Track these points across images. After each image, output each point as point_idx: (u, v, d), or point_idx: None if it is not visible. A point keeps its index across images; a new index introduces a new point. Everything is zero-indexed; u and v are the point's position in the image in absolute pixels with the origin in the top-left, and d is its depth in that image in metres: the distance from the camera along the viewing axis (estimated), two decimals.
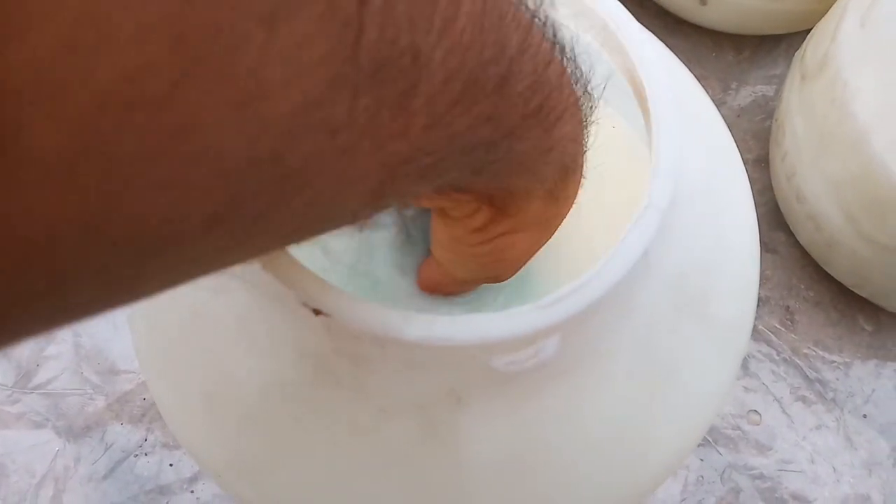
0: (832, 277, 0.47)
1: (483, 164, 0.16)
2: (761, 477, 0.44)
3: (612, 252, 0.18)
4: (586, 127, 0.19)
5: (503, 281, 0.24)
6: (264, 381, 0.21)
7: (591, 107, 0.19)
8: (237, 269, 0.13)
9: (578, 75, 0.18)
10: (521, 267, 0.23)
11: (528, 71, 0.15)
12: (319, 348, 0.20)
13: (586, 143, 0.19)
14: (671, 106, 0.19)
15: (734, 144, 0.28)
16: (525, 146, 0.17)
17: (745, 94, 0.54)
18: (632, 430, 0.23)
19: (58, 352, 0.45)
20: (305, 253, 0.18)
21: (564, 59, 0.17)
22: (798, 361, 0.48)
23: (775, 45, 0.56)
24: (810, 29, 0.44)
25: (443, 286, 0.26)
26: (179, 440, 0.25)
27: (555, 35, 0.17)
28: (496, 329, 0.17)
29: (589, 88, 0.18)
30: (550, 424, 0.21)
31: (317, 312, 0.17)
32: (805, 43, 0.44)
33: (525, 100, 0.15)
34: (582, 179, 0.20)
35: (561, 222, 0.22)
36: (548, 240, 0.22)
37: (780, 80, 0.54)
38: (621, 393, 0.22)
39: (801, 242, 0.46)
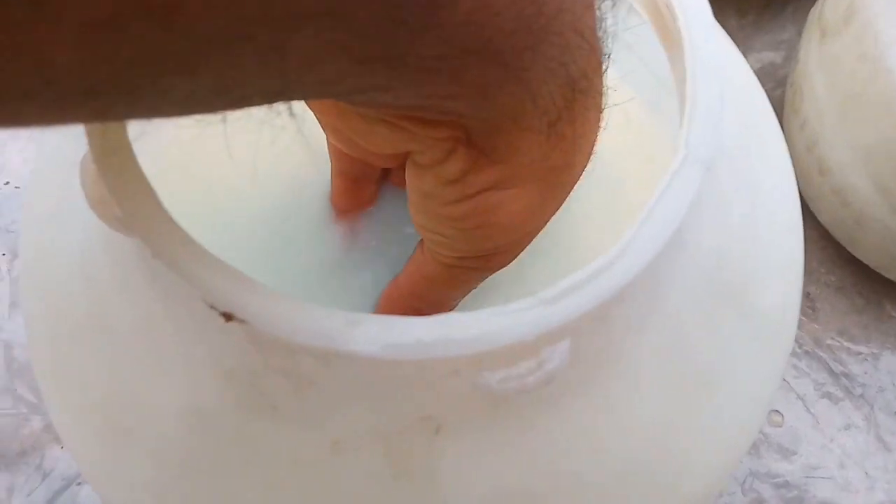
0: (855, 260, 0.43)
1: (439, 60, 0.12)
2: (786, 485, 0.40)
3: (639, 222, 0.13)
4: (601, 25, 0.14)
5: (496, 268, 0.19)
6: (178, 407, 0.16)
7: None
8: (135, 259, 0.13)
9: None
10: (518, 245, 0.17)
11: None
12: (245, 365, 0.15)
13: (602, 48, 0.14)
14: (708, 27, 0.14)
15: (765, 97, 0.24)
16: (501, 31, 0.12)
17: (752, 62, 0.49)
18: (662, 454, 0.18)
19: None
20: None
21: None
22: (821, 354, 0.43)
23: (781, 8, 0.52)
24: None
25: (409, 299, 0.20)
26: (83, 475, 0.20)
27: None
28: (487, 333, 0.12)
29: None
30: (560, 456, 0.16)
31: (228, 317, 0.12)
32: None
33: None
34: (601, 112, 0.15)
35: (573, 179, 0.16)
36: (555, 206, 0.17)
37: (789, 46, 0.50)
38: (648, 409, 0.17)
39: (822, 221, 0.42)
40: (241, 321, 0.12)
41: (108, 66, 0.10)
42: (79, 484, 0.39)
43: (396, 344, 0.12)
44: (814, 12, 0.40)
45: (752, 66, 0.51)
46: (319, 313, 0.12)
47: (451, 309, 0.21)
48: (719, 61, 0.14)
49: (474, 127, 0.14)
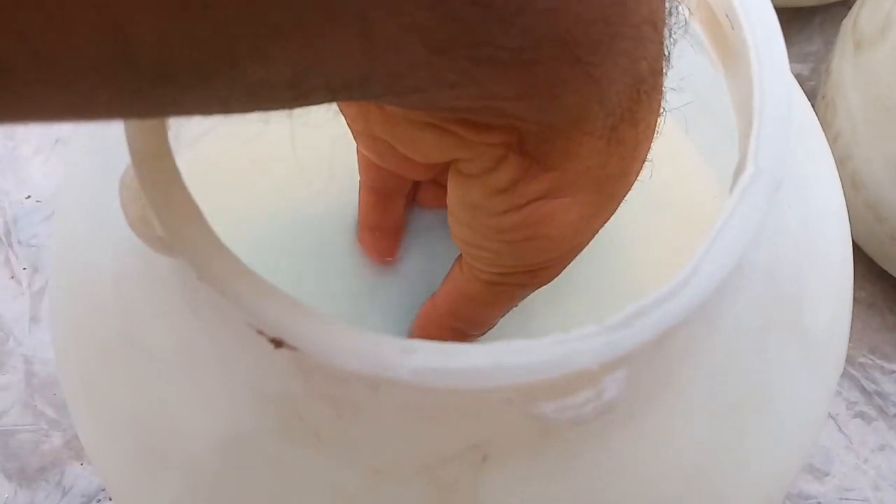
0: (887, 275, 0.42)
1: (515, 53, 0.11)
2: None
3: (707, 245, 0.12)
4: (671, 18, 0.13)
5: (541, 284, 0.18)
6: (215, 433, 0.16)
7: None
8: (173, 279, 0.12)
9: None
10: (566, 258, 0.17)
11: None
12: (288, 390, 0.14)
13: (666, 42, 0.14)
14: (776, 37, 0.14)
15: (809, 105, 0.23)
16: (580, 20, 0.11)
17: None
18: (715, 479, 0.17)
19: (6, 382, 0.40)
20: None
21: None
22: (853, 372, 0.42)
23: (808, 19, 0.51)
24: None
25: (446, 319, 0.20)
26: (111, 495, 0.20)
27: None
28: (548, 361, 0.11)
29: None
30: (612, 486, 0.15)
31: (277, 344, 0.12)
32: (857, 7, 0.38)
33: None
34: (660, 115, 0.14)
35: (627, 188, 0.15)
36: (607, 217, 0.16)
37: (817, 58, 0.49)
38: (702, 435, 0.17)
39: (853, 236, 0.41)
40: (292, 348, 0.12)
41: (187, 45, 0.09)
42: (98, 501, 0.38)
43: (453, 372, 0.12)
44: (847, 23, 0.39)
45: None
46: (373, 340, 0.12)
47: (491, 327, 0.20)
48: (786, 69, 0.14)
49: (530, 132, 0.14)
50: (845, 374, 0.42)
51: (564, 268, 0.18)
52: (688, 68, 0.17)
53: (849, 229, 0.21)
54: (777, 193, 0.13)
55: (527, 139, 0.14)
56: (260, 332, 0.12)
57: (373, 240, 0.23)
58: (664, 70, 0.14)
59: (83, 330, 0.19)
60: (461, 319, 0.20)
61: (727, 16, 0.14)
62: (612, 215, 0.16)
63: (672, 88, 0.15)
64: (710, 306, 0.15)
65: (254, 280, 0.11)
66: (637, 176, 0.16)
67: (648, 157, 0.16)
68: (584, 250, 0.17)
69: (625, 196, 0.16)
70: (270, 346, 0.12)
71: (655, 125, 0.15)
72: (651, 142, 0.15)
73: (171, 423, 0.17)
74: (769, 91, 0.13)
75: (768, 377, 0.18)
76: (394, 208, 0.22)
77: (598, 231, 0.17)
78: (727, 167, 0.15)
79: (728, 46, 0.14)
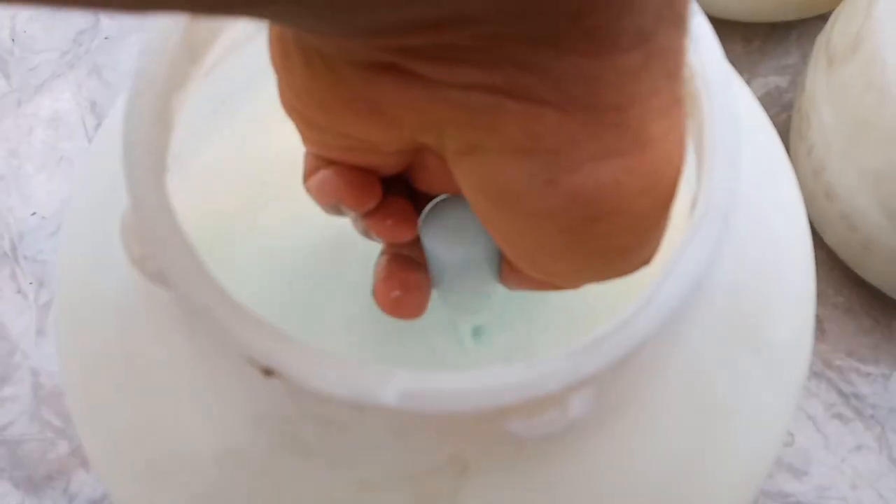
0: (863, 281, 0.43)
1: None
2: None
3: (662, 276, 0.13)
4: None
5: (638, 267, 0.13)
6: (215, 450, 0.17)
7: None
8: (171, 306, 0.11)
9: None
10: (655, 227, 0.12)
11: None
12: (281, 411, 0.15)
13: None
14: (723, 75, 0.15)
15: (774, 131, 0.24)
16: None
17: (758, 87, 0.50)
18: (684, 489, 0.18)
19: (14, 393, 0.41)
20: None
21: None
22: (831, 375, 0.44)
23: (786, 33, 0.52)
24: (824, 14, 0.41)
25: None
26: None
27: None
28: (516, 385, 0.12)
29: None
30: (582, 494, 0.16)
31: (267, 373, 0.13)
32: (830, 23, 0.40)
33: None
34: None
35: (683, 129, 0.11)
36: (680, 166, 0.12)
37: (795, 71, 0.50)
38: (667, 448, 0.18)
39: (829, 244, 0.42)
40: (280, 377, 0.13)
41: None
42: None
43: (427, 397, 0.13)
44: (821, 40, 0.40)
45: (757, 91, 0.52)
46: (354, 368, 0.13)
47: None
48: (735, 111, 0.15)
49: (519, 54, 0.10)
50: (823, 377, 0.43)
51: (657, 245, 0.13)
52: None
53: (811, 251, 0.23)
54: (727, 224, 0.14)
55: (524, 71, 0.10)
56: (251, 363, 0.13)
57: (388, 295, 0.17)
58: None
59: (87, 349, 0.20)
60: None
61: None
62: (683, 162, 0.12)
63: None
64: (671, 327, 0.16)
65: (244, 314, 0.13)
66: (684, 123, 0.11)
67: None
68: None
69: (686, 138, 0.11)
70: (261, 375, 0.13)
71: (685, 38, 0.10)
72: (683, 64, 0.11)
73: (171, 438, 0.18)
74: (720, 135, 0.14)
75: (733, 389, 0.19)
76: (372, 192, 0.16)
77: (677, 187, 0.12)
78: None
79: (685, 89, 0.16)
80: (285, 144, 0.17)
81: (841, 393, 0.43)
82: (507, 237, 0.13)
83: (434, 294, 0.18)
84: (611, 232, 0.12)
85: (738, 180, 0.14)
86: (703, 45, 0.15)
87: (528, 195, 0.11)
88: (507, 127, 0.11)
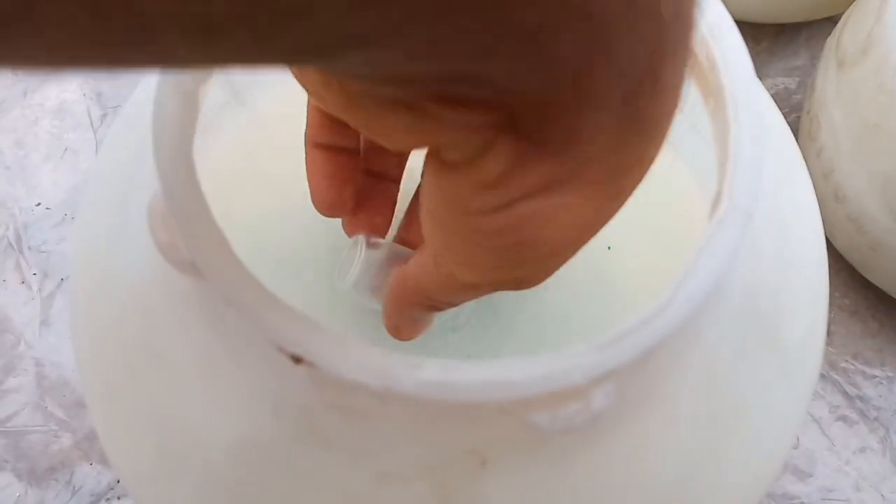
0: (870, 284, 0.43)
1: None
2: None
3: (684, 274, 0.14)
4: None
5: (524, 288, 0.15)
6: (232, 438, 0.17)
7: None
8: (193, 294, 0.11)
9: None
10: (557, 266, 0.14)
11: None
12: (303, 401, 0.15)
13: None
14: (749, 79, 0.15)
15: (789, 132, 0.24)
16: None
17: (766, 88, 0.50)
18: (697, 483, 0.18)
19: (18, 384, 0.41)
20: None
21: None
22: (836, 377, 0.44)
23: (795, 34, 0.52)
24: (832, 16, 0.41)
25: (416, 296, 0.17)
26: (129, 493, 0.21)
27: None
28: (540, 378, 0.13)
29: None
30: (601, 488, 0.17)
31: (297, 360, 0.13)
32: (840, 26, 0.40)
33: None
34: (683, 86, 0.11)
35: (636, 182, 0.13)
36: (607, 219, 0.13)
37: (804, 72, 0.50)
38: (684, 442, 0.18)
39: (837, 246, 0.42)
40: (309, 363, 0.13)
41: None
42: (107, 500, 0.39)
43: (454, 387, 0.13)
44: (831, 42, 0.40)
45: (767, 92, 0.52)
46: (382, 356, 0.13)
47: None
48: (760, 113, 0.15)
49: (521, 105, 0.11)
50: (829, 379, 0.43)
51: (550, 275, 0.14)
52: None
53: (825, 250, 0.23)
54: (749, 224, 0.14)
55: (521, 118, 0.11)
56: (281, 350, 0.13)
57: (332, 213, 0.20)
58: (694, 17, 0.11)
59: (105, 337, 0.20)
60: (432, 300, 0.17)
61: (706, 57, 0.16)
62: (612, 216, 0.13)
63: None
64: (690, 325, 0.16)
65: (275, 302, 0.13)
66: (650, 165, 0.12)
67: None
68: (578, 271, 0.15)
69: (632, 192, 0.13)
70: (290, 362, 0.13)
71: (679, 94, 0.11)
72: (673, 116, 0.12)
73: (190, 428, 0.18)
74: (744, 134, 0.14)
75: (748, 388, 0.20)
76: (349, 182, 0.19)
77: (596, 230, 0.13)
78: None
79: (708, 86, 0.16)
80: (285, 144, 0.18)
81: (846, 395, 0.43)
82: (433, 228, 0.14)
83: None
84: (530, 259, 0.14)
85: (760, 181, 0.15)
86: (727, 44, 0.15)
87: (470, 212, 0.13)
88: (490, 160, 0.12)
